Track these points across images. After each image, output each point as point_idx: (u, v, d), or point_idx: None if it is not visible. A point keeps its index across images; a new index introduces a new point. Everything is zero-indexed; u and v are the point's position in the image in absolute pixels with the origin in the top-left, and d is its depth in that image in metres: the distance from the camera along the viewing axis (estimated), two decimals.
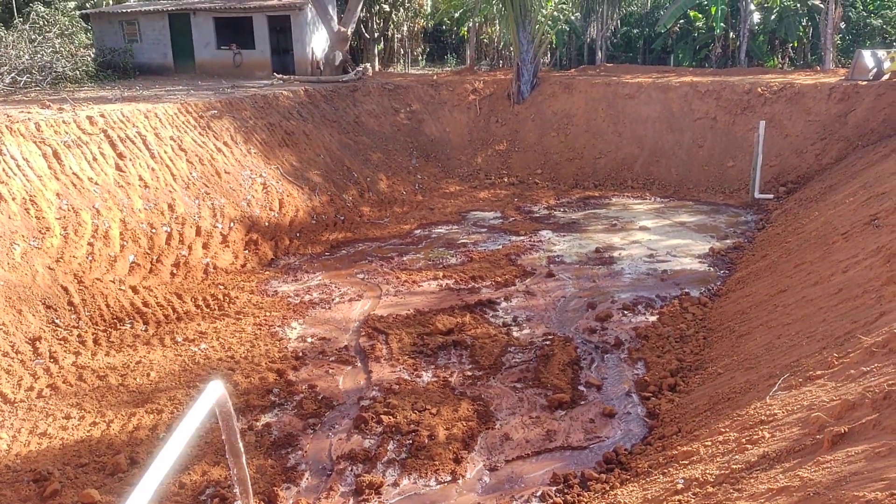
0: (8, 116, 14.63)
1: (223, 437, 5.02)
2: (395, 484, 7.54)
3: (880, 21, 30.32)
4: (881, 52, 23.18)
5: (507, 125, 24.98)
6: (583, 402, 9.18)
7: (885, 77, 22.29)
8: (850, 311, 8.21)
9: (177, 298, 12.55)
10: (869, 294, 8.39)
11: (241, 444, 5.07)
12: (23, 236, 11.97)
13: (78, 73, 23.95)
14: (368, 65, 28.33)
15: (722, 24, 30.03)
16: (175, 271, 13.59)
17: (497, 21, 34.62)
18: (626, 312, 12.17)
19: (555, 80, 25.97)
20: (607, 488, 6.91)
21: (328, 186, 18.82)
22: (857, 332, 7.24)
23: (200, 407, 4.50)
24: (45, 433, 8.35)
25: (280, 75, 26.58)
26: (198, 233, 14.54)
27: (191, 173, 15.66)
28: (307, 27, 28.44)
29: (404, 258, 15.42)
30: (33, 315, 11.03)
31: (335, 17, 28.74)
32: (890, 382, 5.47)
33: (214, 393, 4.68)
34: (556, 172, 23.12)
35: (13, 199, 12.30)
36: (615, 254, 15.52)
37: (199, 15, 28.89)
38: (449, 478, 7.62)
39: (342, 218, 18.05)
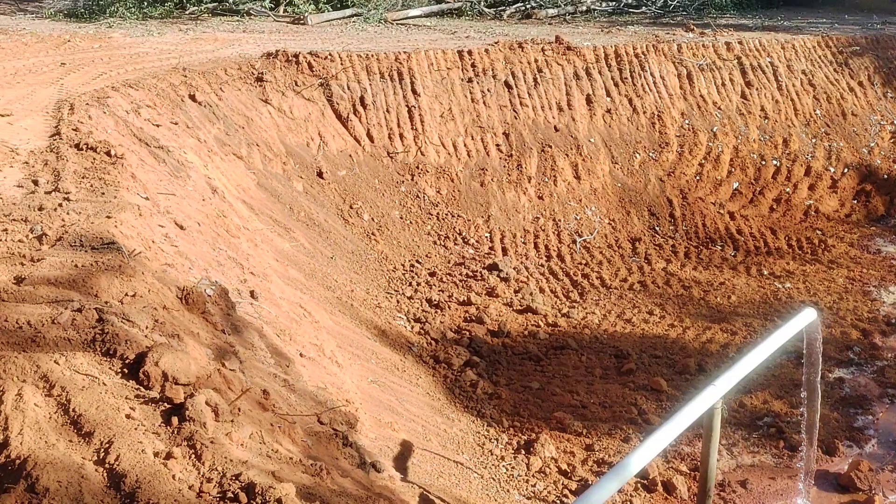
0: (656, 37, 15.95)
1: (804, 365, 4.96)
2: None
3: None
4: None
5: None
6: None
7: None
8: None
9: (770, 233, 12.44)
10: None
11: (818, 378, 4.96)
12: (644, 147, 13.20)
13: (723, 0, 24.45)
14: None
15: None
16: (775, 206, 13.39)
17: None
18: None
19: None
20: None
21: None
22: None
23: (790, 327, 4.51)
24: (629, 320, 9.37)
25: None
26: (807, 172, 13.95)
27: (814, 110, 14.95)
28: None
29: None
30: (638, 218, 12.29)
31: None
32: None
33: (806, 318, 4.61)
34: None
35: (644, 112, 13.55)
36: None
37: None
38: None
39: None
